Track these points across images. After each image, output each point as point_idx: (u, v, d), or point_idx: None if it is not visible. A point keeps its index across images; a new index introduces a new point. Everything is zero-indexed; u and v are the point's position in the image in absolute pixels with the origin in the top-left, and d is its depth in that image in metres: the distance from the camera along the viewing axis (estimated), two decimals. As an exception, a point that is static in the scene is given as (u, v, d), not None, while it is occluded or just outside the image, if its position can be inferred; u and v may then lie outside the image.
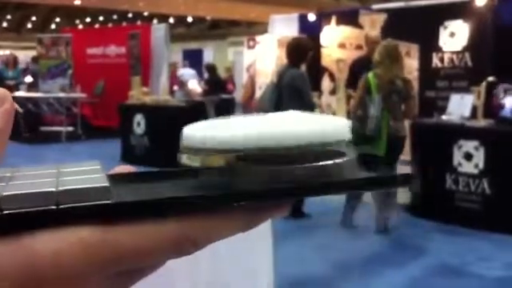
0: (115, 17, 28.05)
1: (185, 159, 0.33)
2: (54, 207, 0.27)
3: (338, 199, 5.41)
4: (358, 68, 6.10)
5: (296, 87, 5.35)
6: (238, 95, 12.09)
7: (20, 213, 0.27)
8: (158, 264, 0.32)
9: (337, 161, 0.32)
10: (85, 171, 0.30)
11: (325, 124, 0.33)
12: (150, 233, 0.29)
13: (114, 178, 0.30)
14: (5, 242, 0.27)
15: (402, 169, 5.68)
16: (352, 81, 6.23)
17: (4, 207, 0.27)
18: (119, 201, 0.28)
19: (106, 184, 0.28)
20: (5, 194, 0.27)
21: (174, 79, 12.60)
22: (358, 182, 0.33)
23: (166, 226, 0.29)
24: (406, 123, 5.46)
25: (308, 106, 5.46)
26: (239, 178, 0.31)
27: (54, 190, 0.28)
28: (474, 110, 5.82)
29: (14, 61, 13.86)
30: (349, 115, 6.17)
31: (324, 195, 0.32)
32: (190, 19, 27.77)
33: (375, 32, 6.84)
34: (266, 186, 0.31)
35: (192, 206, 0.30)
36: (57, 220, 0.27)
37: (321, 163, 0.32)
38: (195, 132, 0.34)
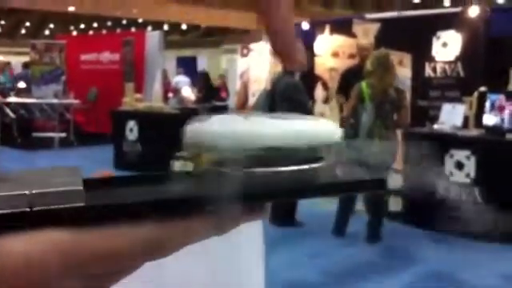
0: (109, 23, 28.04)
1: (177, 166, 0.34)
2: (27, 209, 0.27)
3: (330, 207, 5.42)
4: (350, 76, 6.12)
5: (288, 96, 5.35)
6: (232, 102, 12.10)
7: None
8: (132, 267, 0.32)
9: (312, 165, 0.32)
10: (61, 175, 0.30)
11: (311, 128, 0.33)
12: (123, 236, 0.29)
13: (91, 183, 0.30)
14: None
15: (394, 177, 5.70)
16: (343, 88, 6.26)
17: None
18: (92, 204, 0.28)
19: (80, 187, 0.28)
20: None
21: (166, 86, 12.58)
22: (330, 187, 0.33)
23: (139, 230, 0.29)
24: (398, 132, 5.48)
25: (305, 111, 5.46)
26: (214, 182, 0.31)
27: (27, 192, 0.27)
28: (466, 119, 5.85)
29: (4, 66, 13.82)
30: (342, 124, 6.19)
31: (298, 199, 0.32)
32: (184, 27, 27.79)
33: (367, 41, 6.87)
34: (240, 189, 0.30)
35: (165, 209, 0.30)
36: (30, 222, 0.27)
37: (295, 167, 0.31)
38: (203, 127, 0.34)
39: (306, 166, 0.32)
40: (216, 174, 0.32)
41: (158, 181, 0.34)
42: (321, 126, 0.34)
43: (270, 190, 0.31)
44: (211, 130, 0.33)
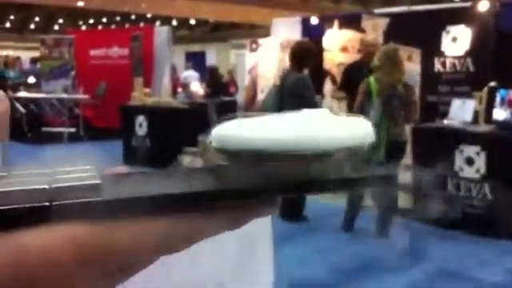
0: (118, 18, 28.08)
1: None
2: (47, 204, 0.28)
3: (339, 203, 5.41)
4: (352, 72, 6.11)
5: (297, 92, 5.34)
6: (240, 97, 12.10)
7: (13, 209, 0.27)
8: (147, 261, 0.32)
9: (321, 162, 0.32)
10: (78, 171, 0.31)
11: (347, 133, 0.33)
12: (139, 230, 0.29)
13: (106, 178, 0.31)
14: None
15: (404, 173, 5.68)
16: (345, 84, 6.25)
17: None
18: (110, 198, 0.29)
19: (99, 182, 0.29)
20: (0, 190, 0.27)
21: (175, 81, 12.60)
22: (338, 182, 0.33)
23: (154, 224, 0.30)
24: (407, 128, 5.46)
25: (313, 107, 5.45)
26: (226, 177, 0.32)
27: (47, 187, 0.28)
28: (476, 114, 5.82)
29: (14, 61, 13.89)
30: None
31: (307, 194, 0.33)
32: (192, 22, 27.79)
33: (376, 35, 6.85)
34: (251, 184, 0.31)
35: (180, 203, 0.30)
36: (49, 216, 0.28)
37: (305, 163, 0.32)
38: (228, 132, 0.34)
39: (314, 163, 0.32)
40: (227, 169, 0.32)
41: (172, 176, 0.34)
42: (356, 129, 0.34)
43: (281, 185, 0.32)
44: (240, 136, 0.33)
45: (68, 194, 0.28)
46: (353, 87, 5.42)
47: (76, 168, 0.31)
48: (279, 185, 0.32)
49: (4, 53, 14.15)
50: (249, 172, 0.32)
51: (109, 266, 0.29)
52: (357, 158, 0.34)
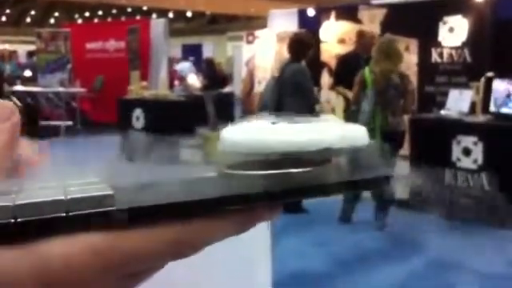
0: (114, 11, 27.99)
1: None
2: (63, 214, 0.29)
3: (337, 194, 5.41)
4: (347, 63, 6.12)
5: (296, 82, 5.35)
6: (237, 90, 12.08)
7: (33, 220, 0.28)
8: (158, 266, 0.33)
9: (322, 166, 0.34)
10: (88, 183, 0.32)
11: (323, 132, 0.35)
12: (151, 236, 0.30)
13: (114, 187, 0.32)
14: (19, 248, 0.28)
15: (401, 164, 5.70)
16: (340, 75, 6.26)
17: (17, 215, 0.28)
18: (122, 207, 0.30)
19: (111, 192, 0.30)
20: (18, 203, 0.28)
21: (172, 74, 12.58)
22: (340, 185, 0.35)
23: (164, 230, 0.31)
24: (405, 118, 5.47)
25: (309, 101, 5.47)
26: (233, 182, 0.33)
27: (63, 198, 0.29)
28: (473, 105, 5.83)
29: (11, 55, 13.84)
30: (346, 111, 6.19)
31: (309, 198, 0.35)
32: (189, 14, 27.71)
33: (373, 27, 6.85)
34: (258, 189, 0.32)
35: (189, 209, 0.31)
36: (67, 226, 0.29)
37: (307, 168, 0.34)
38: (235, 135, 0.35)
39: (317, 167, 0.34)
40: (233, 175, 0.34)
41: (181, 183, 0.36)
42: (350, 134, 0.36)
43: (285, 190, 0.33)
44: (236, 139, 0.35)
45: (83, 204, 0.29)
46: (347, 78, 5.43)
47: (85, 181, 0.32)
48: (283, 190, 0.33)
49: (0, 46, 14.09)
50: (254, 178, 0.33)
51: (124, 271, 0.31)
52: (356, 160, 0.36)
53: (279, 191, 0.33)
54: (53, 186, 0.31)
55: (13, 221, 0.28)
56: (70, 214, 0.29)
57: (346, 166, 0.36)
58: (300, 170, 0.33)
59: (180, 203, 0.31)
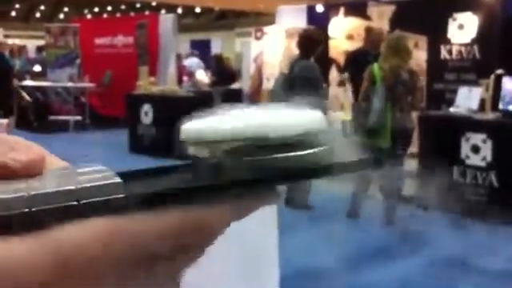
0: (123, 7, 28.03)
1: (191, 151, 0.36)
2: (75, 203, 0.30)
3: (345, 191, 5.41)
4: (355, 59, 6.11)
5: (307, 77, 5.36)
6: (246, 86, 12.07)
7: (47, 209, 0.29)
8: (166, 252, 0.33)
9: (315, 149, 0.35)
10: (96, 171, 0.33)
11: (302, 116, 0.36)
12: (155, 222, 0.31)
13: (122, 175, 0.33)
14: (33, 237, 0.29)
15: (409, 161, 5.69)
16: (347, 71, 6.26)
17: (32, 205, 0.29)
18: (131, 194, 0.31)
19: (119, 180, 0.31)
20: (32, 193, 0.29)
21: (181, 69, 12.59)
22: (331, 167, 0.35)
23: (168, 216, 0.31)
24: (414, 115, 5.45)
25: (321, 94, 5.48)
26: (228, 169, 0.34)
27: (74, 187, 0.30)
28: (482, 102, 5.80)
29: (20, 50, 13.89)
30: (354, 106, 6.18)
31: (303, 180, 0.36)
32: (198, 10, 27.70)
33: (382, 23, 6.83)
34: (253, 175, 0.33)
35: (191, 196, 0.32)
36: (79, 214, 0.30)
37: (300, 152, 0.34)
38: (194, 125, 0.37)
39: (310, 151, 0.35)
40: (230, 161, 0.35)
41: (183, 170, 0.37)
42: (310, 114, 0.36)
43: (280, 174, 0.34)
44: (211, 125, 0.36)
45: (93, 192, 0.30)
46: (356, 74, 5.42)
47: (93, 169, 0.33)
48: (279, 174, 0.34)
49: (10, 41, 14.14)
50: (249, 163, 0.34)
51: (132, 257, 0.31)
52: (344, 142, 0.36)
53: (273, 176, 0.34)
54: (63, 175, 0.32)
55: (27, 210, 0.29)
56: (81, 202, 0.30)
57: (323, 149, 0.36)
58: (291, 154, 0.34)
59: (180, 189, 0.32)
